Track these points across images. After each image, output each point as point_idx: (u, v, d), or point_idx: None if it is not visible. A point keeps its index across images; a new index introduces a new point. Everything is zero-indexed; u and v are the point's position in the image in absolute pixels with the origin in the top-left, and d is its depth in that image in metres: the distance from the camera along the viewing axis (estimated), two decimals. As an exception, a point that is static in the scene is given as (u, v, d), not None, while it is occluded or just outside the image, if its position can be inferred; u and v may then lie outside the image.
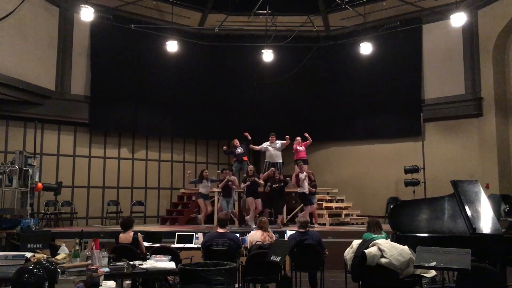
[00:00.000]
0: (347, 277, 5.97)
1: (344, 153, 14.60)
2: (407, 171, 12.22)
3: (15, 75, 10.95)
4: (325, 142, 14.74)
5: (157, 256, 5.44)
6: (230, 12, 13.77)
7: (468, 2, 12.35)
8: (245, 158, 12.20)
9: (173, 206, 13.61)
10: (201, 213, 11.13)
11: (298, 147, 11.84)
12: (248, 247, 6.59)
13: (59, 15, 12.40)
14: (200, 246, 6.60)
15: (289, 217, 11.33)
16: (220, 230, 6.32)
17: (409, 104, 13.37)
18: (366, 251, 5.10)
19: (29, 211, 9.42)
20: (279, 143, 11.79)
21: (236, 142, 12.17)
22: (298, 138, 11.91)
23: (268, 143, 11.85)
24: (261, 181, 10.81)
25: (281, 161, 11.84)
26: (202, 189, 11.02)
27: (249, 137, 11.98)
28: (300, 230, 6.68)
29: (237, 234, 6.75)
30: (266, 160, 11.96)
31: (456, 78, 12.75)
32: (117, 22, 12.83)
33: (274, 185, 10.59)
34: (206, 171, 11.35)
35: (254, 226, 9.48)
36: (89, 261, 4.45)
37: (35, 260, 4.01)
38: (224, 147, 12.51)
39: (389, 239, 5.63)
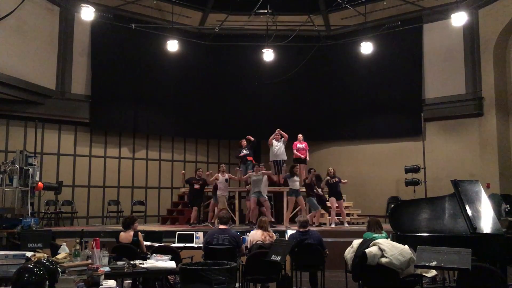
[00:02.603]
0: (347, 276, 5.98)
1: (344, 153, 14.60)
2: (407, 170, 12.21)
3: (15, 75, 10.95)
4: (326, 142, 14.77)
5: (158, 255, 5.45)
6: (230, 12, 13.77)
7: (469, 1, 12.34)
8: (250, 158, 11.81)
9: (173, 205, 13.61)
10: (302, 211, 10.58)
11: (298, 145, 11.75)
12: (249, 246, 6.60)
13: (59, 15, 12.40)
14: (200, 245, 6.62)
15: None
16: (221, 226, 6.35)
17: (410, 104, 13.38)
18: (366, 250, 5.10)
19: (29, 211, 9.43)
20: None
21: (243, 143, 11.92)
22: (300, 135, 11.83)
23: (274, 140, 11.37)
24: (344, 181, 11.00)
25: (285, 158, 11.55)
26: (294, 184, 10.45)
27: (252, 139, 11.83)
28: (301, 229, 6.68)
29: (238, 233, 6.75)
30: (271, 160, 11.58)
31: (456, 77, 12.74)
32: (117, 21, 12.84)
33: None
34: (297, 166, 10.93)
35: (347, 225, 10.74)
36: (90, 261, 4.45)
37: (36, 259, 4.01)
38: (241, 154, 11.91)
39: (389, 239, 5.64)
